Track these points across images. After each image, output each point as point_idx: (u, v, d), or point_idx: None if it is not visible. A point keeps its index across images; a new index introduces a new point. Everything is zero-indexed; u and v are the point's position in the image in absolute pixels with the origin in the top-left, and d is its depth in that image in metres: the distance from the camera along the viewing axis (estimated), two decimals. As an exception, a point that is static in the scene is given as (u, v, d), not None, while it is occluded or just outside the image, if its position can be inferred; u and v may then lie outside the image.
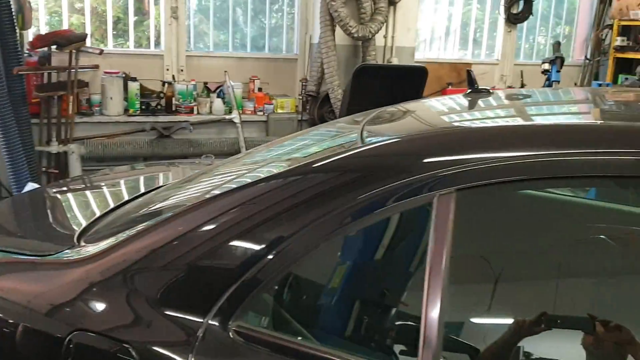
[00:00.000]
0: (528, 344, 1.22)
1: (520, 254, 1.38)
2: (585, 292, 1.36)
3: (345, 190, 1.30)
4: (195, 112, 5.41)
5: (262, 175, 1.53)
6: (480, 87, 1.77)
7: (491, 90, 1.76)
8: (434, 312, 1.16)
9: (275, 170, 1.53)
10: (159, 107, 5.31)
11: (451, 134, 1.44)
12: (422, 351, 1.16)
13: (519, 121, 1.59)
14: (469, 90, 1.79)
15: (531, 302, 1.31)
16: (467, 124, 1.61)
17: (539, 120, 1.62)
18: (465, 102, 1.77)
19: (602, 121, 1.66)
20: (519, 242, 1.39)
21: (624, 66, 7.29)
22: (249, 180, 1.52)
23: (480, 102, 1.70)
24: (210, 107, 5.49)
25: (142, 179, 2.65)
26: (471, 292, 1.40)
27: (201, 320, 1.29)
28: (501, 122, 1.56)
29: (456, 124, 1.60)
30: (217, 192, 1.55)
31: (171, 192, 1.88)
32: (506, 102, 1.81)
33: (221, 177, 1.76)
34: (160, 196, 1.87)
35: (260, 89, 5.75)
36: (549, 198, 1.54)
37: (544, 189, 1.36)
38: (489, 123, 1.58)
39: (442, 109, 1.79)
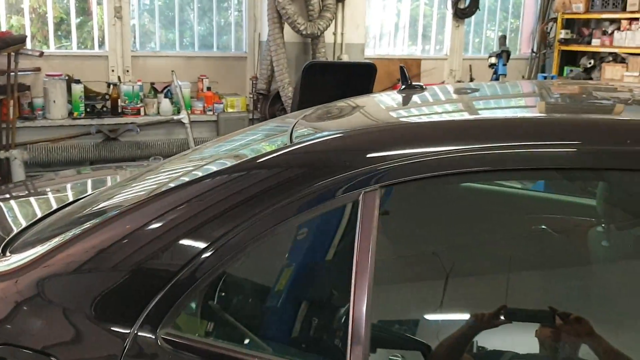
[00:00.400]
0: (478, 338, 1.23)
1: (453, 249, 1.39)
2: (524, 284, 1.37)
3: (271, 191, 1.28)
4: (142, 113, 5.31)
5: (184, 180, 1.50)
6: (413, 84, 1.78)
7: (424, 86, 1.77)
8: (360, 311, 1.15)
9: (218, 167, 1.50)
10: (104, 109, 5.19)
11: (375, 132, 1.43)
12: (350, 348, 1.15)
13: (446, 116, 1.60)
14: (403, 87, 1.79)
15: (473, 297, 1.32)
16: (392, 120, 1.61)
17: (465, 115, 1.64)
18: (397, 98, 1.77)
19: (537, 114, 1.68)
20: (449, 237, 1.40)
21: (569, 58, 7.48)
22: (171, 186, 1.49)
23: (411, 98, 1.70)
24: (158, 108, 5.40)
25: (89, 182, 2.58)
26: (410, 290, 1.40)
27: (128, 330, 1.26)
28: (426, 118, 1.56)
29: (382, 121, 1.59)
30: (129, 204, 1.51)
31: (108, 193, 1.83)
32: (439, 97, 1.82)
33: (167, 175, 1.72)
34: (100, 197, 1.81)
35: (209, 88, 5.69)
36: (480, 190, 1.56)
37: (472, 183, 1.37)
38: (414, 119, 1.58)
39: (373, 106, 1.78)
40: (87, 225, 1.45)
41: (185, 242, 1.30)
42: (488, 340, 1.24)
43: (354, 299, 1.16)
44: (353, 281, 1.17)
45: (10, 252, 1.55)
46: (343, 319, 1.21)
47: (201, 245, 1.28)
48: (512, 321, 1.26)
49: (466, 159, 1.20)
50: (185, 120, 5.31)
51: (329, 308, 1.34)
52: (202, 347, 1.25)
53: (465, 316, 1.29)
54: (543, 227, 1.48)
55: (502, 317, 1.23)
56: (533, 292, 1.35)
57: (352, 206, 1.24)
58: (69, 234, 1.44)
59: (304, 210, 1.26)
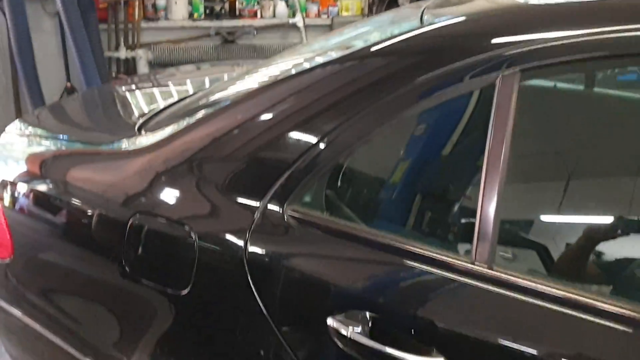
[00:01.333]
0: (600, 247, 1.17)
1: (593, 147, 1.29)
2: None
3: (400, 75, 1.24)
4: (258, 15, 5.33)
5: (316, 63, 1.48)
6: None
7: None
8: (490, 207, 1.11)
9: (331, 57, 1.48)
10: (222, 11, 5.27)
11: (516, 12, 1.32)
12: (476, 244, 1.13)
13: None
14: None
15: (603, 203, 1.24)
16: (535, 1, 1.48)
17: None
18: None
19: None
20: (590, 134, 1.30)
21: None
22: (303, 68, 1.48)
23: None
24: (274, 11, 5.39)
25: (207, 76, 2.66)
26: (536, 188, 1.34)
27: (257, 204, 1.30)
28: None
29: (524, 1, 1.47)
30: (268, 81, 1.52)
31: (230, 83, 1.87)
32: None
33: (278, 67, 1.73)
34: (220, 87, 1.86)
35: (324, -9, 5.58)
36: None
37: (623, 69, 1.25)
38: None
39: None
40: (199, 115, 1.50)
41: (299, 133, 1.31)
42: (611, 249, 1.17)
43: (483, 195, 1.12)
44: (483, 175, 1.13)
45: (145, 131, 1.64)
46: (469, 214, 1.18)
47: (315, 136, 1.28)
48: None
49: (625, 40, 1.09)
50: (300, 24, 5.27)
51: (452, 201, 1.31)
52: (326, 225, 1.27)
53: (587, 221, 1.21)
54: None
55: (626, 228, 1.16)
56: None
57: (484, 93, 1.18)
58: (192, 119, 1.49)
59: (434, 94, 1.21)
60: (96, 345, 1.57)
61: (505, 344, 1.05)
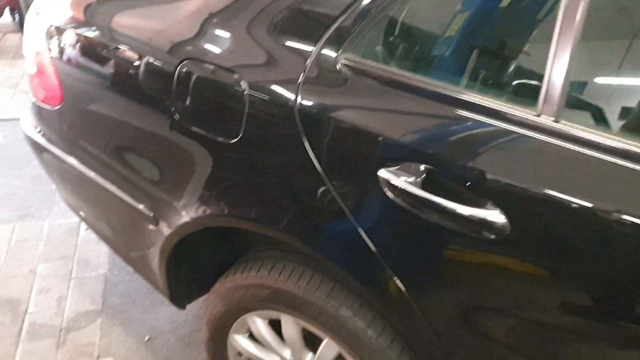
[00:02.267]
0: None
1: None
2: None
3: None
4: None
5: None
6: None
7: None
8: (560, 68, 1.03)
9: None
10: None
11: None
12: (542, 106, 1.06)
13: None
14: None
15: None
16: None
17: None
18: None
19: None
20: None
21: None
22: None
23: None
24: None
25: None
26: (603, 50, 1.23)
27: (310, 49, 1.25)
28: None
29: None
30: None
31: None
32: None
33: None
34: None
35: None
36: None
37: None
38: None
39: None
40: None
41: None
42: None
43: (554, 54, 1.04)
44: (557, 28, 1.03)
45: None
46: (537, 67, 1.09)
47: None
48: None
49: None
50: None
51: (518, 54, 1.21)
52: (381, 74, 1.21)
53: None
54: None
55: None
56: None
57: None
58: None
59: None
60: (148, 191, 1.61)
61: (564, 197, 1.01)
